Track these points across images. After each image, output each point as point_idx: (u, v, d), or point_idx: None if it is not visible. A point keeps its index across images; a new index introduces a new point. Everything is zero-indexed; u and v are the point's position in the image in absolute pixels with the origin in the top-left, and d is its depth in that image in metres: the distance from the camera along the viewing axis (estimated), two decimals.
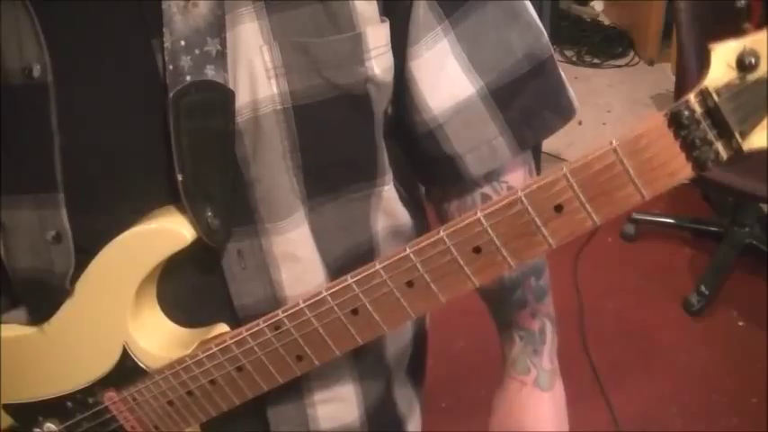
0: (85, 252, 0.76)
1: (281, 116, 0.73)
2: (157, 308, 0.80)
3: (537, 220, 0.63)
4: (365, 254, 0.84)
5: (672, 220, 2.80)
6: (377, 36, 0.74)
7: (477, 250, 0.65)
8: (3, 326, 0.84)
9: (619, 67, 3.90)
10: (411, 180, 0.91)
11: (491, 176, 0.85)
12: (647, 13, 3.86)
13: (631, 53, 3.98)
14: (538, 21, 0.80)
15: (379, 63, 0.74)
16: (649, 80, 3.73)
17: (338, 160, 0.78)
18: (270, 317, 0.73)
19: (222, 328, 0.78)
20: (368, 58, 0.73)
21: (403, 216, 0.87)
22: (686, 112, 0.57)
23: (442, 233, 0.65)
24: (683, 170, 0.60)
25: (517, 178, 0.86)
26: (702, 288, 2.49)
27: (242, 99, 0.72)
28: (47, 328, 0.80)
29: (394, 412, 0.97)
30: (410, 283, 0.68)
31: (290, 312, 0.72)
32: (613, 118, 3.45)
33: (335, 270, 0.81)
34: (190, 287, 0.79)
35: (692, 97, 0.58)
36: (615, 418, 2.13)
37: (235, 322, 0.79)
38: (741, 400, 2.19)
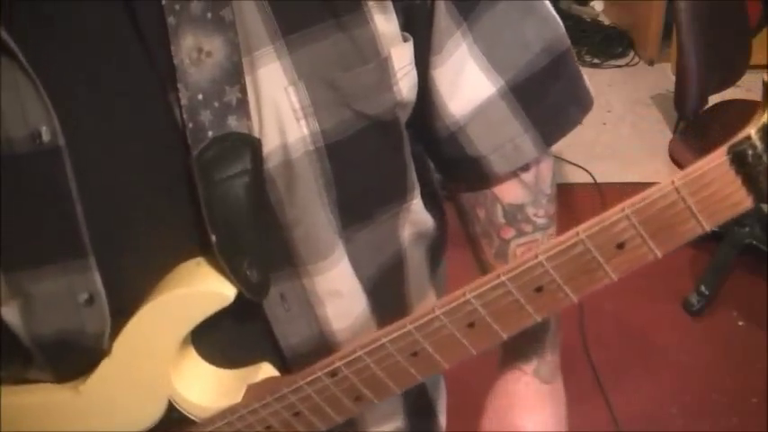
0: (118, 311, 0.73)
1: (314, 156, 0.71)
2: (195, 355, 0.78)
3: (599, 258, 0.64)
4: (396, 267, 0.84)
5: None
6: (401, 56, 0.73)
7: (538, 289, 0.66)
8: (31, 387, 0.81)
9: (619, 67, 3.93)
10: (431, 182, 0.90)
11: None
12: (647, 13, 3.88)
13: (631, 53, 4.01)
14: (553, 12, 0.80)
15: (405, 83, 0.74)
16: (649, 80, 3.77)
17: (371, 187, 0.77)
18: (326, 363, 0.72)
19: (268, 368, 0.78)
20: (395, 81, 0.72)
21: (428, 221, 0.87)
22: (750, 151, 0.58)
23: (502, 277, 0.66)
24: (744, 202, 0.61)
25: (533, 160, 0.84)
26: (702, 288, 2.51)
27: (270, 144, 0.69)
28: (82, 389, 0.77)
29: (425, 395, 0.97)
30: (471, 324, 0.68)
31: (347, 359, 0.72)
32: (613, 118, 3.48)
33: (372, 291, 0.81)
34: (231, 332, 0.77)
35: (753, 134, 0.58)
36: (615, 418, 2.15)
37: (279, 360, 0.78)
38: (741, 400, 2.21)
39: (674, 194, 0.61)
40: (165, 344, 0.74)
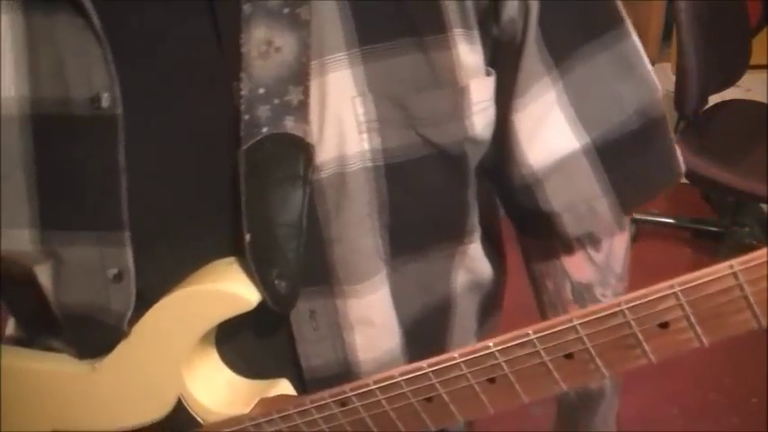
0: (141, 295, 0.72)
1: (371, 174, 0.68)
2: (216, 356, 0.76)
3: (639, 335, 0.59)
4: (441, 311, 0.80)
5: (672, 220, 2.80)
6: (481, 90, 0.69)
7: (569, 356, 0.61)
8: (54, 356, 0.81)
9: None
10: (496, 230, 0.87)
11: (585, 238, 0.81)
12: (647, 13, 3.81)
13: None
14: (653, 75, 0.75)
15: (481, 119, 0.70)
16: None
17: (428, 220, 0.74)
18: (337, 392, 0.69)
19: (284, 385, 0.75)
20: (469, 114, 0.69)
21: (485, 271, 0.83)
22: None
23: (531, 335, 0.61)
24: None
25: (605, 234, 0.81)
26: None
27: (328, 153, 0.67)
28: (98, 368, 0.77)
29: None
30: (492, 380, 0.64)
31: (359, 392, 0.68)
32: None
33: (410, 330, 0.77)
34: (254, 340, 0.75)
35: None
36: (615, 418, 2.08)
37: (298, 380, 0.75)
38: (741, 400, 2.18)
39: (731, 279, 0.55)
40: (181, 338, 0.72)
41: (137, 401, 0.77)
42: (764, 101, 2.53)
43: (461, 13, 0.67)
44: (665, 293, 0.57)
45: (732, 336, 0.58)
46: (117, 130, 0.66)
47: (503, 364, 0.63)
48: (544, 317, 0.87)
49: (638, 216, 2.75)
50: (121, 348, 0.75)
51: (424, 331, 0.79)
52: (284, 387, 0.75)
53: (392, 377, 0.66)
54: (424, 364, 0.65)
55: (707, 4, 2.20)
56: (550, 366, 0.62)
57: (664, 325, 0.58)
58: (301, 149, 0.66)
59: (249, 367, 0.77)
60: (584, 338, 0.60)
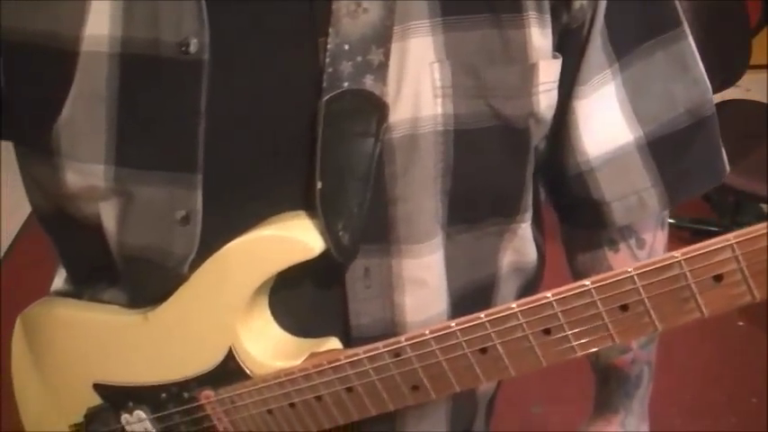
0: (205, 242, 0.74)
1: (441, 138, 0.72)
2: (268, 312, 0.79)
3: (693, 287, 0.62)
4: (486, 288, 0.83)
5: (672, 220, 2.74)
6: (548, 71, 0.74)
7: (624, 308, 0.64)
8: (103, 306, 0.83)
9: None
10: (540, 220, 0.90)
11: (624, 229, 0.85)
12: None
13: None
14: (705, 76, 0.80)
15: (545, 99, 0.74)
16: None
17: (486, 191, 0.77)
18: (391, 342, 0.71)
19: (334, 343, 0.77)
20: (536, 92, 0.73)
21: (531, 254, 0.86)
22: None
23: (589, 285, 0.64)
24: None
25: (648, 232, 0.86)
26: None
27: (402, 114, 0.71)
28: (151, 317, 0.78)
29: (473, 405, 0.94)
30: (547, 331, 0.67)
31: (414, 341, 0.70)
32: None
33: (456, 301, 0.80)
34: (307, 297, 0.78)
35: None
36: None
37: (345, 339, 0.77)
38: (741, 399, 2.18)
39: None
40: (241, 286, 0.75)
41: (187, 351, 0.79)
42: (764, 101, 2.57)
43: None
44: (721, 245, 0.60)
45: None
46: (201, 76, 0.69)
47: (559, 314, 0.66)
48: None
49: None
50: (177, 296, 0.77)
51: (468, 306, 0.81)
52: (334, 344, 0.77)
53: (448, 327, 0.69)
54: (481, 314, 0.68)
55: (707, 4, 2.24)
56: (605, 317, 0.65)
57: (718, 278, 0.61)
58: (377, 107, 0.70)
59: (298, 325, 0.79)
60: (641, 289, 0.63)
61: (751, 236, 0.59)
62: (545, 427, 0.93)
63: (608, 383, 0.93)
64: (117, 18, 0.69)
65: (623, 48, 0.76)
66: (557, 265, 0.94)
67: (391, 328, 0.77)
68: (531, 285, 0.89)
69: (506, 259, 0.83)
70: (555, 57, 0.74)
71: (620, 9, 0.76)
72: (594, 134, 0.78)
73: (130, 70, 0.70)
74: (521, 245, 0.83)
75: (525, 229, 0.83)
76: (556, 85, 0.75)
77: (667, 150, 0.79)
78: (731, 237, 0.60)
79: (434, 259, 0.76)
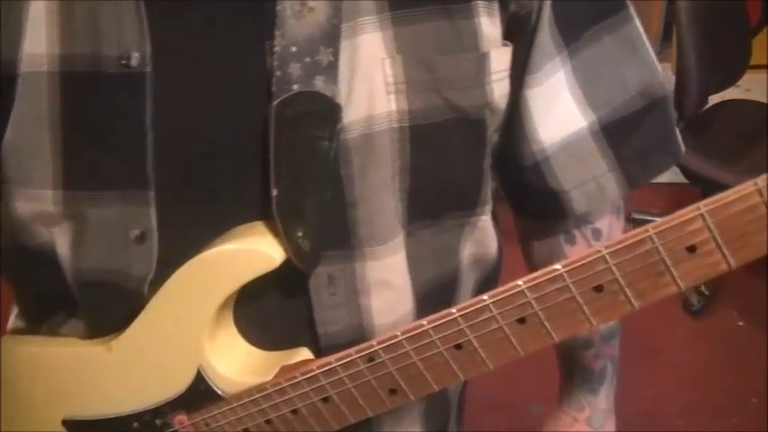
0: (163, 261, 0.72)
1: (397, 135, 0.70)
2: (234, 328, 0.76)
3: (667, 260, 0.60)
4: (449, 283, 0.81)
5: None
6: (500, 59, 0.72)
7: (598, 289, 0.62)
8: (63, 340, 0.80)
9: None
10: (496, 214, 0.88)
11: (579, 218, 0.83)
12: (647, 13, 3.89)
13: None
14: (654, 57, 0.79)
15: (499, 88, 0.72)
16: None
17: (445, 186, 0.75)
18: (363, 347, 0.69)
19: (305, 353, 0.74)
20: (489, 81, 0.71)
21: (491, 246, 0.84)
22: None
23: (561, 269, 0.62)
24: None
25: (604, 222, 0.85)
26: (702, 288, 2.50)
27: (356, 113, 0.69)
28: (115, 345, 0.75)
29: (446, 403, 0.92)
30: (522, 320, 0.64)
31: (386, 344, 0.68)
32: None
33: (421, 299, 0.77)
34: (272, 308, 0.75)
35: None
36: (615, 419, 2.08)
37: (314, 349, 0.75)
38: (741, 399, 2.18)
39: (756, 197, 0.57)
40: (204, 303, 0.72)
41: (156, 376, 0.76)
42: (764, 101, 2.57)
43: None
44: (691, 215, 0.58)
45: (758, 255, 0.59)
46: (145, 90, 0.67)
47: (532, 301, 0.63)
48: None
49: (637, 216, 2.74)
50: (140, 320, 0.74)
51: (433, 302, 0.79)
52: (304, 355, 0.74)
53: (420, 326, 0.67)
54: (453, 309, 0.66)
55: (707, 4, 2.24)
56: (580, 301, 0.63)
57: (691, 249, 0.59)
58: (330, 109, 0.67)
59: (266, 338, 0.76)
60: (613, 268, 0.61)
61: (721, 203, 0.57)
62: (543, 428, 0.93)
63: (572, 379, 0.92)
64: (55, 35, 0.67)
65: (571, 34, 0.75)
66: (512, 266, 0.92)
67: (360, 332, 0.75)
68: (491, 278, 0.87)
69: (467, 251, 0.81)
70: (505, 45, 0.72)
71: None
72: (548, 122, 0.77)
73: (72, 88, 0.68)
74: (481, 237, 0.82)
75: (485, 221, 0.81)
76: (508, 73, 0.73)
77: (622, 134, 0.78)
78: (701, 205, 0.58)
79: (398, 259, 0.74)
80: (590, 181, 0.78)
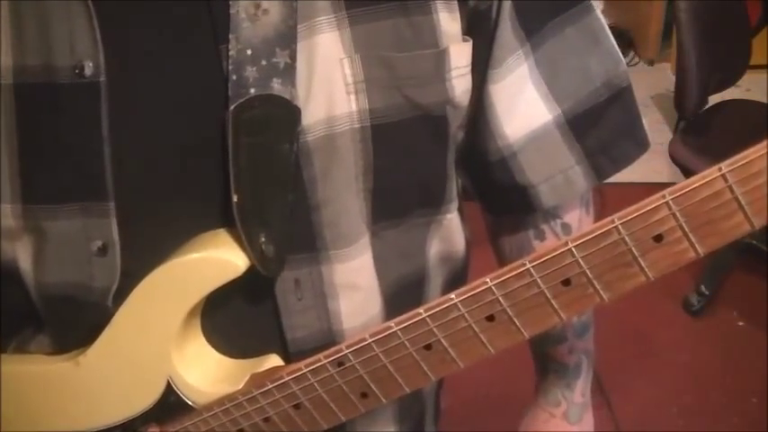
0: (126, 273, 0.70)
1: (358, 135, 0.68)
2: (202, 337, 0.74)
3: (634, 250, 0.59)
4: (416, 282, 0.80)
5: None
6: (459, 55, 0.70)
7: (566, 283, 0.61)
8: (30, 357, 0.78)
9: None
10: (463, 212, 0.87)
11: (548, 213, 0.82)
12: (647, 13, 3.89)
13: (631, 53, 3.99)
14: (617, 47, 0.77)
15: (460, 84, 0.71)
16: (649, 80, 3.72)
17: (410, 184, 0.74)
18: (332, 352, 0.68)
19: (275, 360, 0.73)
20: (449, 77, 0.70)
21: (459, 243, 0.83)
22: None
23: (528, 264, 0.61)
24: None
25: (574, 217, 0.83)
26: (702, 288, 2.50)
27: (315, 115, 0.67)
28: (82, 361, 0.74)
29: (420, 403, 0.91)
30: (490, 318, 0.63)
31: (355, 348, 0.67)
32: None
33: (389, 299, 0.76)
34: (237, 316, 0.74)
35: None
36: (615, 418, 2.10)
37: (284, 354, 0.73)
38: (741, 400, 2.17)
39: (721, 182, 0.56)
40: (170, 314, 0.70)
41: (125, 390, 0.74)
42: (764, 101, 2.54)
43: None
44: (656, 204, 0.57)
45: (726, 242, 0.58)
46: (100, 99, 0.65)
47: (500, 298, 0.62)
48: None
49: None
50: (106, 334, 0.73)
51: (401, 302, 0.78)
52: (274, 361, 0.73)
53: (388, 328, 0.65)
54: (420, 310, 0.64)
55: (707, 4, 2.22)
56: (549, 295, 0.61)
57: (658, 238, 0.58)
58: (288, 111, 0.66)
59: (234, 346, 0.75)
60: (580, 261, 0.59)
61: (686, 190, 0.56)
62: (520, 425, 0.92)
63: (547, 375, 0.91)
64: (7, 47, 0.65)
65: (533, 27, 0.73)
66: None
67: (329, 336, 0.74)
68: (459, 276, 0.86)
69: (434, 250, 0.80)
70: (465, 40, 0.71)
71: None
72: (513, 117, 0.75)
73: (26, 100, 0.66)
74: (448, 235, 0.81)
75: (452, 219, 0.80)
76: (469, 69, 0.72)
77: (587, 126, 0.76)
78: (666, 193, 0.57)
79: (364, 260, 0.73)
80: (558, 174, 0.77)
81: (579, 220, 0.84)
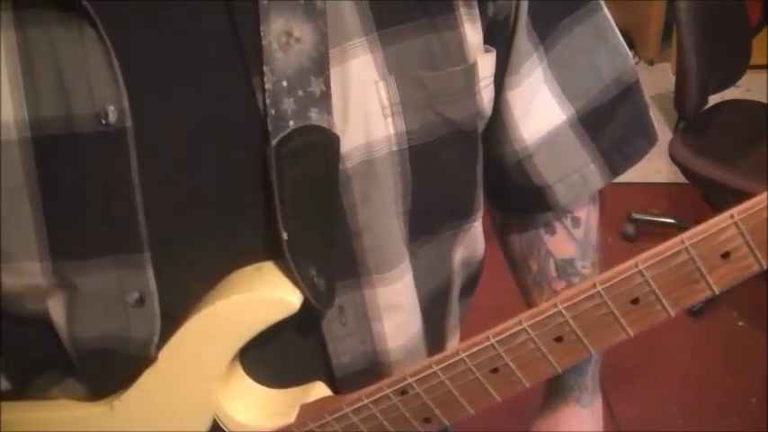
0: (167, 317, 0.67)
1: (397, 158, 0.67)
2: (241, 369, 0.73)
3: (702, 268, 0.61)
4: (445, 289, 0.80)
5: (672, 220, 2.83)
6: (485, 66, 0.70)
7: (635, 301, 0.62)
8: (57, 403, 0.75)
9: None
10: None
11: (560, 212, 0.84)
12: (647, 13, 3.93)
13: (631, 53, 4.01)
14: (624, 43, 0.79)
15: (486, 95, 0.71)
16: (649, 80, 3.77)
17: (443, 200, 0.74)
18: (395, 381, 0.68)
19: (321, 388, 0.72)
20: (478, 90, 0.70)
21: (480, 247, 0.84)
22: None
23: (598, 287, 0.62)
24: None
25: (583, 211, 0.85)
26: None
27: (354, 141, 0.66)
28: (117, 405, 0.71)
29: None
30: (559, 339, 0.64)
31: (419, 376, 0.67)
32: None
33: (425, 311, 0.77)
34: (279, 346, 0.72)
35: None
36: (615, 419, 2.12)
37: (328, 379, 0.73)
38: (741, 400, 2.19)
39: None
40: (216, 356, 0.69)
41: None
42: (764, 101, 2.56)
43: None
44: (725, 224, 0.59)
45: None
46: (128, 146, 0.62)
47: (569, 320, 0.63)
48: (529, 296, 0.90)
49: (637, 216, 2.78)
50: (146, 378, 0.70)
51: (434, 310, 0.79)
52: (321, 390, 0.73)
53: (455, 354, 0.66)
54: (488, 335, 0.65)
55: (707, 4, 2.23)
56: (617, 314, 0.63)
57: (725, 255, 0.60)
58: (327, 140, 0.64)
59: (276, 375, 0.74)
60: (650, 281, 0.61)
61: (753, 210, 0.58)
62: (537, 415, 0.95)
63: None
64: (21, 99, 0.61)
65: (546, 29, 0.74)
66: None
67: (374, 357, 0.74)
68: (475, 276, 0.87)
69: (458, 256, 0.81)
70: (488, 50, 0.71)
71: None
72: (529, 120, 0.76)
73: (47, 154, 0.62)
74: (472, 240, 0.81)
75: (477, 226, 0.81)
76: (492, 79, 0.72)
77: (600, 123, 0.78)
78: (735, 214, 0.59)
79: (406, 282, 0.73)
80: (573, 173, 0.78)
81: (588, 213, 0.86)
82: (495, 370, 0.66)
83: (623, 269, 0.61)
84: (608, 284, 0.62)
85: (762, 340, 2.38)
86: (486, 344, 0.65)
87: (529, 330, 0.64)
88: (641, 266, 0.61)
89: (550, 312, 0.63)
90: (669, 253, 0.60)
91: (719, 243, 0.60)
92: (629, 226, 2.80)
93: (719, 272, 0.61)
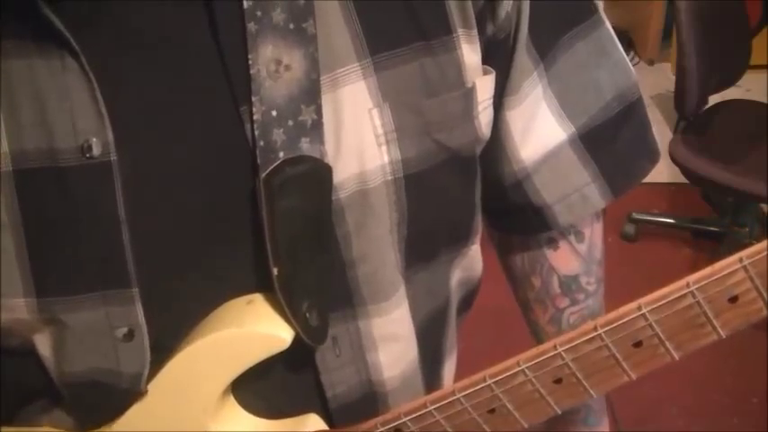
0: (157, 349, 0.65)
1: (392, 187, 0.65)
2: (233, 400, 0.71)
3: (708, 313, 0.58)
4: (442, 312, 0.78)
5: (672, 220, 2.81)
6: (484, 89, 0.68)
7: (637, 345, 0.60)
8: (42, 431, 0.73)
9: None
10: None
11: (569, 233, 0.82)
12: (647, 13, 3.89)
13: (631, 53, 4.01)
14: (626, 58, 0.76)
15: (484, 118, 0.68)
16: (649, 80, 3.74)
17: (440, 227, 0.72)
18: (389, 419, 0.66)
19: (315, 420, 0.70)
20: (476, 114, 0.67)
21: (478, 267, 0.82)
22: None
23: (600, 330, 0.59)
24: None
25: (587, 225, 0.83)
26: None
27: (347, 171, 0.63)
28: None
29: None
30: (558, 381, 0.62)
31: (414, 415, 0.65)
32: None
33: (420, 337, 0.74)
34: (274, 376, 0.70)
35: None
36: (615, 418, 2.11)
37: (322, 410, 0.71)
38: (741, 400, 2.20)
39: None
40: (207, 389, 0.67)
41: None
42: (764, 101, 2.55)
43: (462, 13, 0.64)
44: (733, 269, 0.56)
45: None
46: (113, 179, 0.59)
47: (569, 363, 0.61)
48: (529, 313, 0.88)
49: (638, 216, 2.76)
50: (135, 410, 0.68)
51: (429, 337, 0.77)
52: (314, 421, 0.71)
53: (451, 394, 0.64)
54: (485, 375, 0.63)
55: (707, 4, 2.21)
56: (619, 357, 0.61)
57: (733, 299, 0.58)
58: (319, 171, 0.62)
59: (269, 406, 0.71)
60: (653, 324, 0.59)
61: (763, 254, 0.56)
62: (543, 429, 0.93)
63: None
64: (1, 131, 0.58)
65: (546, 47, 0.71)
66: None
67: (369, 387, 0.71)
68: (472, 293, 0.85)
69: (456, 278, 0.79)
70: (486, 72, 0.68)
71: (538, 8, 0.70)
72: (529, 140, 0.73)
73: (29, 188, 0.60)
74: (470, 263, 0.79)
75: (476, 249, 0.79)
76: (491, 101, 0.69)
77: (601, 142, 0.75)
78: (743, 257, 0.56)
79: (402, 312, 0.71)
80: (573, 193, 0.76)
81: (592, 229, 0.83)
82: (492, 410, 0.64)
83: (626, 312, 0.59)
84: (610, 327, 0.59)
85: (762, 340, 2.36)
86: (483, 384, 0.63)
87: (527, 372, 0.62)
88: (645, 309, 0.58)
89: (549, 354, 0.61)
90: (674, 296, 0.58)
91: (728, 287, 0.57)
92: (629, 226, 2.78)
93: (727, 316, 0.58)
